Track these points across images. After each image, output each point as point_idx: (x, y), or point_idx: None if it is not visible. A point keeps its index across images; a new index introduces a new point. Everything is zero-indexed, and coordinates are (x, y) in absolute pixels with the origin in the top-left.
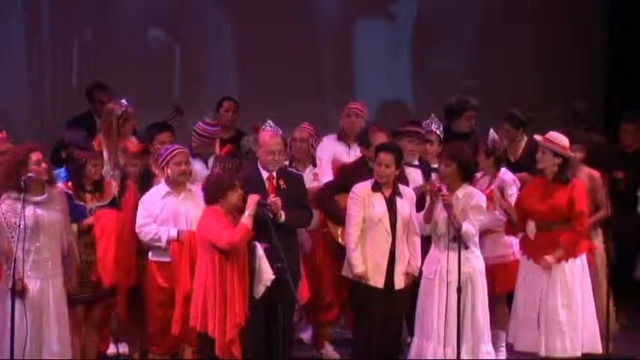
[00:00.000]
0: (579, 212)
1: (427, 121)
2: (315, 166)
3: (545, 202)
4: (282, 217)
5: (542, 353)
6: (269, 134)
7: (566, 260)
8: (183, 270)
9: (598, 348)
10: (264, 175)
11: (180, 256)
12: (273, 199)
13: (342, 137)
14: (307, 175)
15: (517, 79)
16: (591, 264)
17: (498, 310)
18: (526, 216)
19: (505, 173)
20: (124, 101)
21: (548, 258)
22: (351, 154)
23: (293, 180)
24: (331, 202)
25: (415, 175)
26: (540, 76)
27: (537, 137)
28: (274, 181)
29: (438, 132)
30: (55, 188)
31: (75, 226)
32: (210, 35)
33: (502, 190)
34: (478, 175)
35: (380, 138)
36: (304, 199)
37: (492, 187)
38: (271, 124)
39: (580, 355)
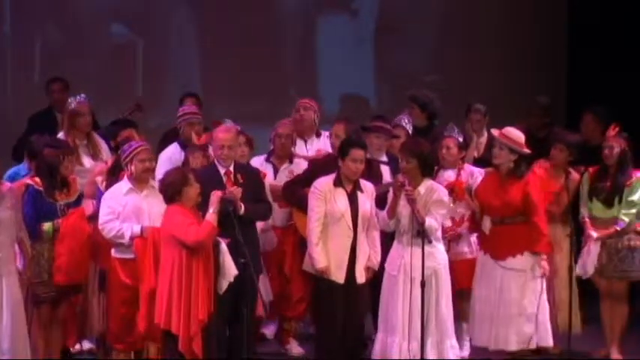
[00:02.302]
0: (534, 206)
1: (399, 117)
2: (291, 162)
3: (500, 197)
4: (242, 208)
5: (493, 346)
6: (221, 129)
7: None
8: (147, 266)
9: (549, 342)
10: (221, 170)
11: (144, 252)
12: (232, 189)
13: (298, 133)
14: (282, 171)
15: (478, 75)
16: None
17: (464, 305)
18: (482, 211)
19: (470, 167)
20: (80, 97)
21: (545, 265)
22: (308, 149)
23: (250, 174)
24: (300, 193)
25: (384, 173)
26: (501, 72)
27: (494, 132)
28: (232, 176)
29: (408, 128)
30: (4, 186)
31: (50, 225)
32: (174, 31)
33: (470, 190)
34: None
35: (338, 129)
36: (262, 193)
37: (461, 178)
38: (230, 123)
39: (534, 347)
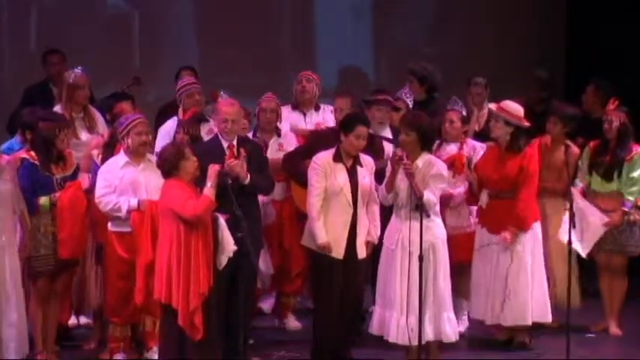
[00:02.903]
0: (525, 179)
1: (400, 91)
2: (279, 136)
3: (498, 170)
4: (248, 178)
5: (489, 321)
6: (225, 102)
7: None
8: (144, 240)
9: (547, 318)
10: (224, 144)
11: (141, 226)
12: (230, 161)
13: (297, 105)
14: (272, 145)
15: (478, 48)
16: (545, 232)
17: (463, 279)
18: (480, 185)
19: (472, 141)
20: (78, 69)
21: (507, 235)
22: (307, 122)
23: (254, 148)
24: (299, 165)
25: (388, 149)
26: (501, 45)
27: (491, 106)
28: (234, 150)
29: (408, 101)
30: (2, 159)
31: (47, 199)
32: (170, 3)
33: (470, 161)
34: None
35: (341, 102)
36: (265, 167)
37: (463, 152)
38: (224, 96)
39: (529, 324)
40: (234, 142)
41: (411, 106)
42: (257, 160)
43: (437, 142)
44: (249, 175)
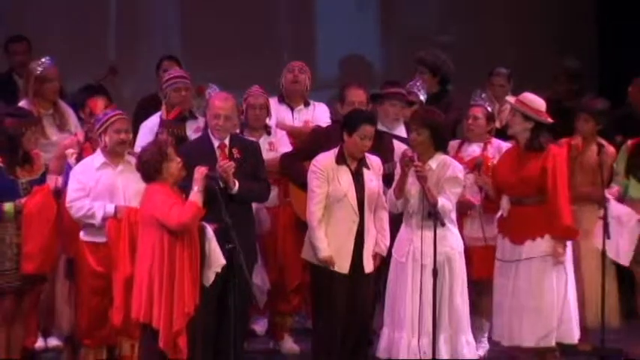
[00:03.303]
0: (553, 183)
1: (411, 83)
2: (269, 134)
3: (517, 172)
4: (236, 186)
5: (507, 342)
6: (218, 96)
7: (542, 237)
8: (121, 251)
9: (573, 338)
10: (215, 143)
11: (117, 235)
12: (223, 162)
13: (284, 98)
14: (262, 144)
15: (498, 35)
16: (577, 246)
17: (483, 297)
18: (500, 190)
19: (498, 141)
20: (46, 60)
21: (559, 250)
22: (295, 118)
23: (248, 148)
24: (298, 167)
25: (399, 149)
26: (524, 31)
27: (508, 98)
28: (226, 150)
29: (421, 95)
30: None
31: (11, 206)
32: None
33: (480, 165)
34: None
35: (358, 95)
36: (261, 170)
37: (488, 153)
38: (215, 89)
39: (553, 344)
40: (227, 142)
41: (424, 100)
42: (252, 162)
43: (458, 141)
44: (236, 183)
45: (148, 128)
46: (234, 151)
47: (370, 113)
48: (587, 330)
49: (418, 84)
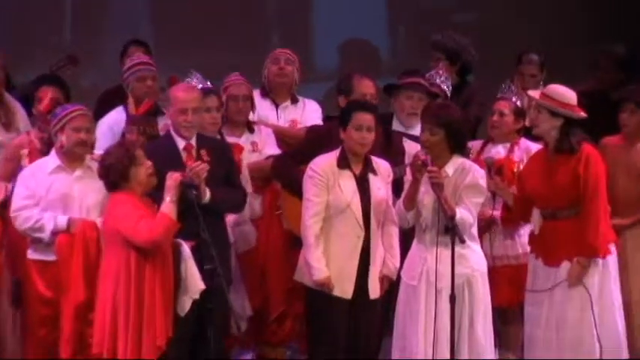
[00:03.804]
0: (588, 192)
1: (432, 73)
2: (252, 132)
3: (546, 181)
4: (208, 194)
5: None
6: (181, 88)
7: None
8: (74, 273)
9: (622, 354)
10: (180, 144)
11: (70, 253)
12: (194, 165)
13: (268, 92)
14: (243, 144)
15: (528, 14)
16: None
17: (509, 327)
18: (526, 202)
19: (527, 142)
20: None
21: (575, 270)
22: (280, 116)
23: (219, 150)
24: (294, 171)
25: (411, 150)
26: (560, 10)
27: (532, 93)
28: (193, 151)
29: (445, 87)
30: None
31: None
32: None
33: (490, 165)
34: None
35: (368, 86)
36: (235, 176)
37: (513, 156)
38: (199, 77)
39: None
40: (193, 142)
41: (449, 93)
42: (224, 165)
43: (480, 142)
44: (207, 191)
45: (107, 126)
46: (203, 152)
47: (367, 102)
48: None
49: (441, 73)
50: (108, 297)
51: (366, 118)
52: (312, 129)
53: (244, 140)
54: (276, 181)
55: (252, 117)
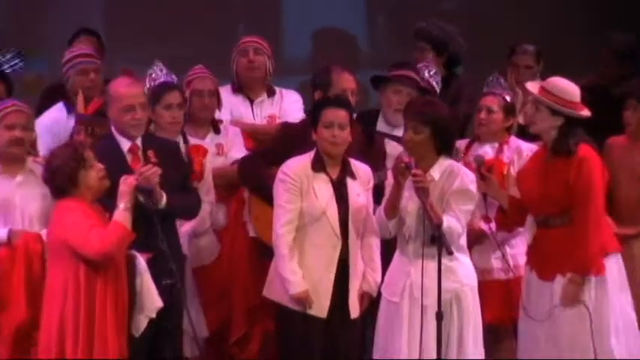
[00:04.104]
0: (582, 195)
1: (419, 66)
2: (218, 132)
3: (542, 184)
4: (163, 199)
5: None
6: (122, 83)
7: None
8: (15, 289)
9: None
10: (124, 145)
11: (11, 268)
12: (144, 168)
13: (240, 87)
14: (208, 146)
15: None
16: (630, 270)
17: (501, 346)
18: (522, 205)
19: (517, 141)
20: None
21: (569, 289)
22: (256, 113)
23: (168, 150)
24: (263, 173)
25: (394, 152)
26: None
27: (529, 85)
28: (140, 153)
29: (434, 83)
30: None
31: None
32: None
33: (480, 164)
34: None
35: (348, 81)
36: (186, 178)
37: (503, 157)
38: (162, 68)
39: None
40: (139, 142)
41: (438, 89)
42: (175, 166)
43: (465, 141)
44: (164, 195)
45: (46, 127)
46: (150, 153)
47: (338, 97)
48: None
49: (429, 67)
50: (54, 315)
51: (338, 115)
52: (286, 125)
53: (209, 141)
54: (243, 184)
55: (218, 115)
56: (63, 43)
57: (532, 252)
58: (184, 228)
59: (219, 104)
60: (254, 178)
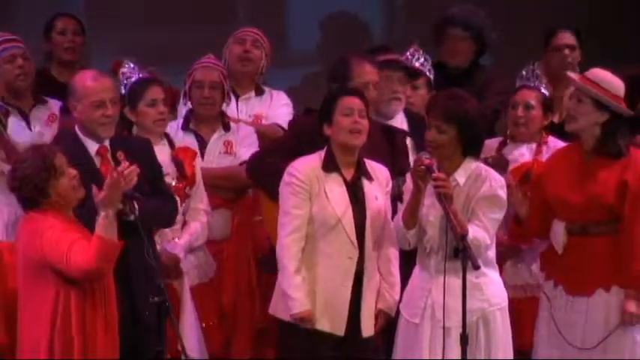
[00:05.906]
0: (632, 205)
1: (407, 53)
2: (227, 129)
3: (581, 188)
4: (135, 209)
5: None
6: (88, 77)
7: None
8: None
9: None
10: (92, 147)
11: None
12: (121, 168)
13: (236, 83)
14: (213, 144)
15: None
16: None
17: None
18: (546, 212)
19: (556, 141)
20: None
21: (630, 308)
22: (240, 110)
23: (137, 151)
24: (275, 168)
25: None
26: None
27: (571, 74)
28: (109, 155)
29: (426, 70)
30: None
31: None
32: None
33: (529, 177)
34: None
35: (371, 72)
36: (160, 181)
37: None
38: (133, 65)
39: None
40: (106, 144)
41: (432, 76)
42: (147, 167)
43: (497, 140)
44: (136, 205)
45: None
46: (120, 155)
47: (352, 88)
48: None
49: (416, 54)
50: (29, 342)
51: (356, 102)
52: (297, 121)
53: (216, 139)
54: (254, 183)
55: (226, 110)
56: (38, 28)
57: (559, 264)
58: (182, 241)
59: (226, 98)
60: (266, 175)
